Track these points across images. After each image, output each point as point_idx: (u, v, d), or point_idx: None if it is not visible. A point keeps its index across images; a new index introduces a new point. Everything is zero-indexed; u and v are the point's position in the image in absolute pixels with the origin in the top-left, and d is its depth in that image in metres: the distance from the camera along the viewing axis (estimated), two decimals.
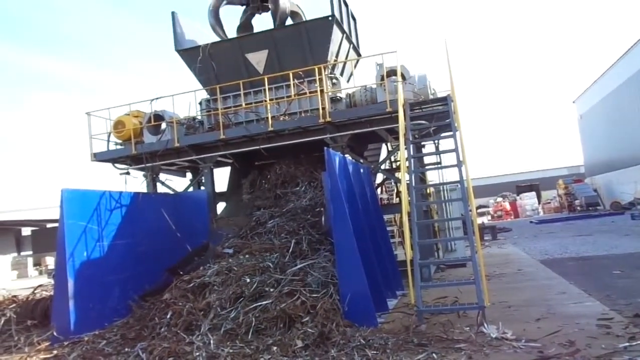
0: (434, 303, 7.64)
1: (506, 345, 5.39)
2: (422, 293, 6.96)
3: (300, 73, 10.95)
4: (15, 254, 39.36)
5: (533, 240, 18.17)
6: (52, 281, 11.48)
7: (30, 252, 39.74)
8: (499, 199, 43.79)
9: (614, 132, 34.24)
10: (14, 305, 10.10)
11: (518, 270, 11.03)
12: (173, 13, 12.48)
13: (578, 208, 34.84)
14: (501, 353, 5.20)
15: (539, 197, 44.68)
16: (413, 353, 5.42)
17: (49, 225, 39.47)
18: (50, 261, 33.95)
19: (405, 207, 7.63)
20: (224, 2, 12.88)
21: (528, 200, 41.73)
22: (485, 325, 6.04)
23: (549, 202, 41.72)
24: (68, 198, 8.40)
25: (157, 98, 11.99)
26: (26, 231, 43.30)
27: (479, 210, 36.04)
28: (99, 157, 12.15)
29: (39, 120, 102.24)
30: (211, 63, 12.15)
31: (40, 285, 11.33)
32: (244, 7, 13.23)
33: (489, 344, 5.48)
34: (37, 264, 35.93)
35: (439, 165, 11.74)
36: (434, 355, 5.27)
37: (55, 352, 7.20)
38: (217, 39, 12.76)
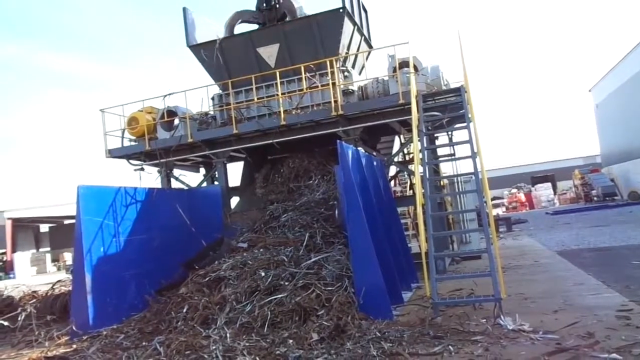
0: (449, 295, 7.60)
1: (523, 337, 5.34)
2: (437, 285, 6.92)
3: (312, 66, 10.92)
4: (34, 250, 40.10)
5: (549, 232, 17.97)
6: (70, 277, 11.67)
7: (48, 249, 40.44)
8: (514, 190, 43.30)
9: (631, 121, 33.60)
10: (34, 300, 10.33)
11: (534, 261, 10.92)
12: (184, 9, 12.50)
13: (595, 198, 34.32)
14: (518, 345, 5.15)
15: (554, 187, 44.13)
16: (429, 345, 5.40)
17: (66, 222, 40.11)
18: (68, 257, 34.51)
19: (419, 199, 7.59)
20: (240, 20, 12.83)
21: (543, 191, 41.21)
22: (502, 317, 5.99)
23: (565, 193, 41.15)
24: (84, 194, 8.50)
25: (169, 94, 12.08)
26: (44, 228, 44.04)
27: (493, 202, 35.65)
28: (113, 154, 12.27)
29: (53, 117, 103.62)
30: (223, 58, 12.16)
31: (59, 281, 11.52)
32: (259, 25, 13.14)
33: (506, 336, 5.44)
34: (55, 260, 36.55)
35: (453, 157, 11.64)
36: (450, 347, 5.25)
37: (74, 346, 7.32)
38: (228, 33, 12.74)
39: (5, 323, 9.01)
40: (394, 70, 10.36)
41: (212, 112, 12.40)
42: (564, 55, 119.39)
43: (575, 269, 9.29)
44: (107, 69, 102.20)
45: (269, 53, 11.95)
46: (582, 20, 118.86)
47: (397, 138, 14.79)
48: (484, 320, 6.12)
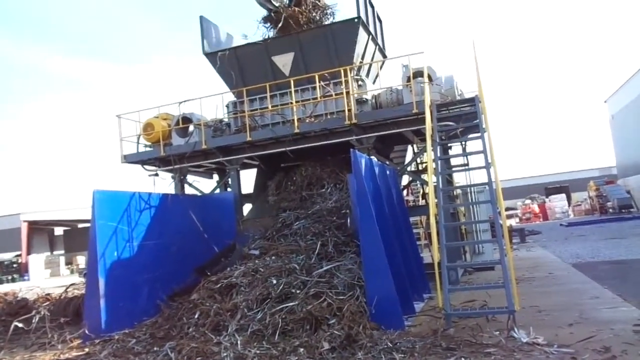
0: (462, 306, 7.53)
1: (537, 351, 5.27)
2: (450, 296, 6.86)
3: (326, 75, 10.96)
4: (49, 253, 40.57)
5: (563, 243, 17.74)
6: (83, 280, 11.80)
7: (62, 252, 40.89)
8: (527, 201, 42.89)
9: None
10: (47, 303, 10.42)
11: (548, 273, 10.78)
12: (201, 17, 12.63)
13: (610, 210, 33.85)
14: (532, 358, 5.09)
15: (569, 199, 43.63)
16: (441, 357, 5.36)
17: (80, 226, 40.56)
18: (81, 260, 34.87)
19: (432, 209, 7.55)
20: None
21: (558, 202, 40.77)
22: (516, 329, 5.92)
23: (580, 204, 40.66)
24: (99, 199, 8.60)
25: (185, 101, 12.21)
26: (59, 231, 44.57)
27: (506, 213, 35.30)
28: (129, 159, 12.40)
29: (70, 121, 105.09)
30: (238, 66, 12.27)
31: (72, 284, 11.63)
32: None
33: (520, 349, 5.37)
34: (68, 263, 36.93)
35: (467, 167, 11.56)
36: (462, 359, 5.20)
37: (87, 349, 7.38)
38: (242, 42, 12.82)
39: (20, 325, 9.11)
40: (408, 80, 10.36)
41: (226, 120, 12.48)
42: (579, 65, 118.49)
43: (591, 282, 9.15)
44: (121, 72, 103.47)
45: (284, 61, 12.02)
46: (598, 31, 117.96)
47: (409, 147, 14.76)
48: (497, 332, 6.06)
